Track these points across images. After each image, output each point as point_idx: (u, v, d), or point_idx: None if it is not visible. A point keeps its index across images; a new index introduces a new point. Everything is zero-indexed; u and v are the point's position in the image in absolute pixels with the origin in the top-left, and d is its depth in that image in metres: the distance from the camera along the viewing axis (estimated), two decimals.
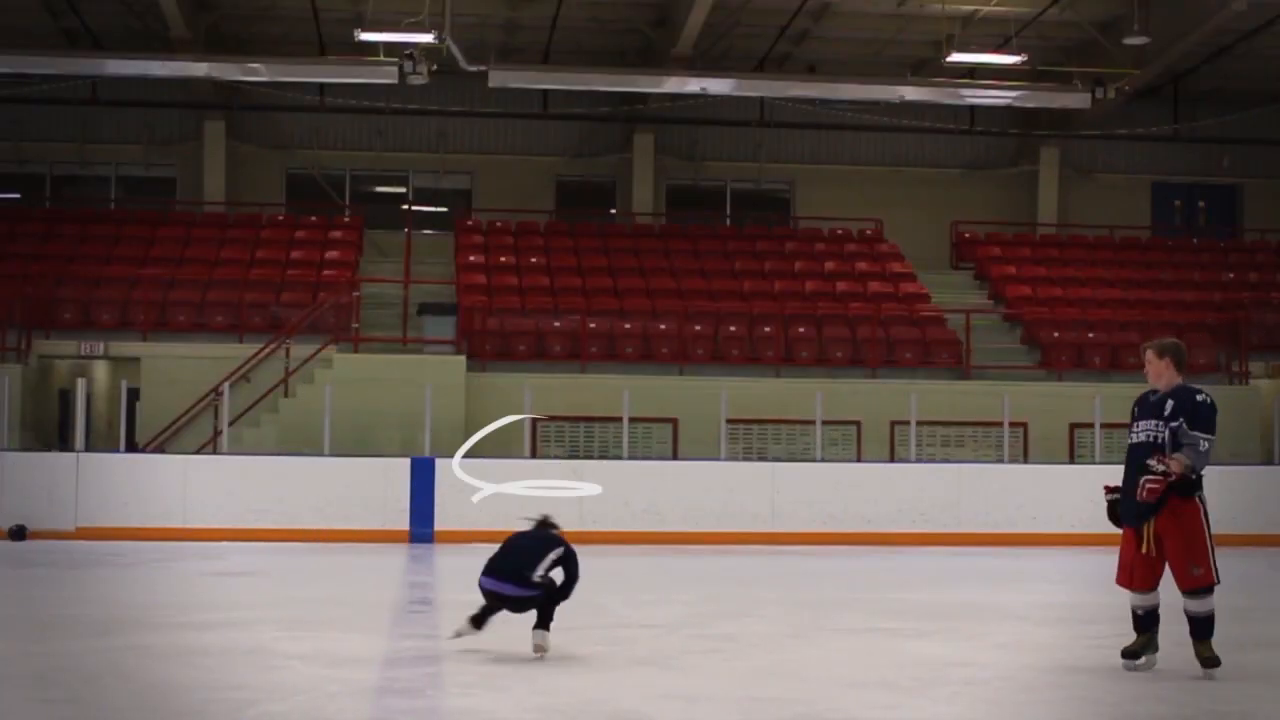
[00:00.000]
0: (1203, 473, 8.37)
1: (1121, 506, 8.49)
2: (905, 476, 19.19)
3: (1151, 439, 8.35)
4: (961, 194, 29.64)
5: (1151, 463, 8.20)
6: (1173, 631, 9.92)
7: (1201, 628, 8.29)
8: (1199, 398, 8.34)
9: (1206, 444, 8.23)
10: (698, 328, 22.72)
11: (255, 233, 26.06)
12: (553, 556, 8.81)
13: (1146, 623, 8.48)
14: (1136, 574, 8.39)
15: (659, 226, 28.20)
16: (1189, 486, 8.23)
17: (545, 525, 9.16)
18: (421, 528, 17.79)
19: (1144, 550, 8.33)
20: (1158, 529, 8.27)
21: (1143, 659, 8.45)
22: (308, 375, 20.86)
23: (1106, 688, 7.84)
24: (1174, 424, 8.27)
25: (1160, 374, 8.50)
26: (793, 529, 18.39)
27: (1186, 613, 8.32)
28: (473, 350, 21.73)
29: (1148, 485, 8.14)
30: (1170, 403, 8.36)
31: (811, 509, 18.57)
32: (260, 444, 19.98)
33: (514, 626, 10.07)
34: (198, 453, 19.44)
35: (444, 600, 12.43)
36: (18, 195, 28.44)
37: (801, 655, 9.04)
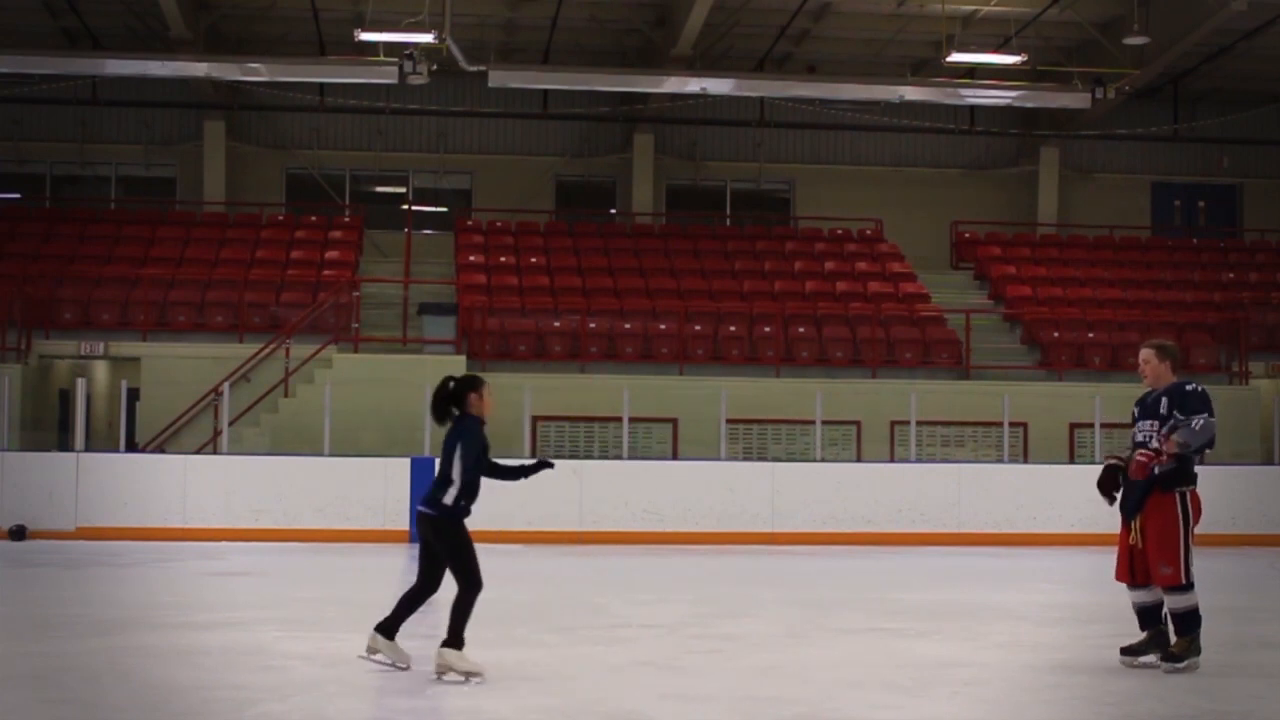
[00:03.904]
0: (1195, 469, 8.46)
1: (1123, 501, 8.59)
2: (905, 476, 19.19)
3: (1148, 439, 8.48)
4: (961, 194, 29.65)
5: (1153, 450, 8.36)
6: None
7: (1177, 623, 8.37)
8: (1188, 388, 8.53)
9: (1201, 420, 8.34)
10: (698, 328, 22.72)
11: (255, 233, 26.06)
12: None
13: (1145, 619, 8.54)
14: (1129, 568, 8.52)
15: (659, 226, 28.20)
16: (1172, 480, 8.34)
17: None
18: None
19: (1132, 542, 8.48)
20: (1142, 522, 8.42)
21: (1144, 657, 8.48)
22: (308, 375, 20.86)
23: (1106, 688, 7.84)
24: (1170, 420, 8.40)
25: (1160, 375, 8.63)
26: (793, 529, 18.39)
27: (1166, 607, 8.42)
28: (473, 350, 21.73)
29: (1137, 458, 8.35)
30: (1164, 400, 8.52)
31: (811, 509, 18.58)
32: (260, 444, 19.98)
33: (514, 626, 10.08)
34: (197, 453, 19.44)
35: (444, 600, 12.43)
36: (18, 195, 28.44)
37: (801, 655, 9.03)
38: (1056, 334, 23.75)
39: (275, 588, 13.15)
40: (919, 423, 20.08)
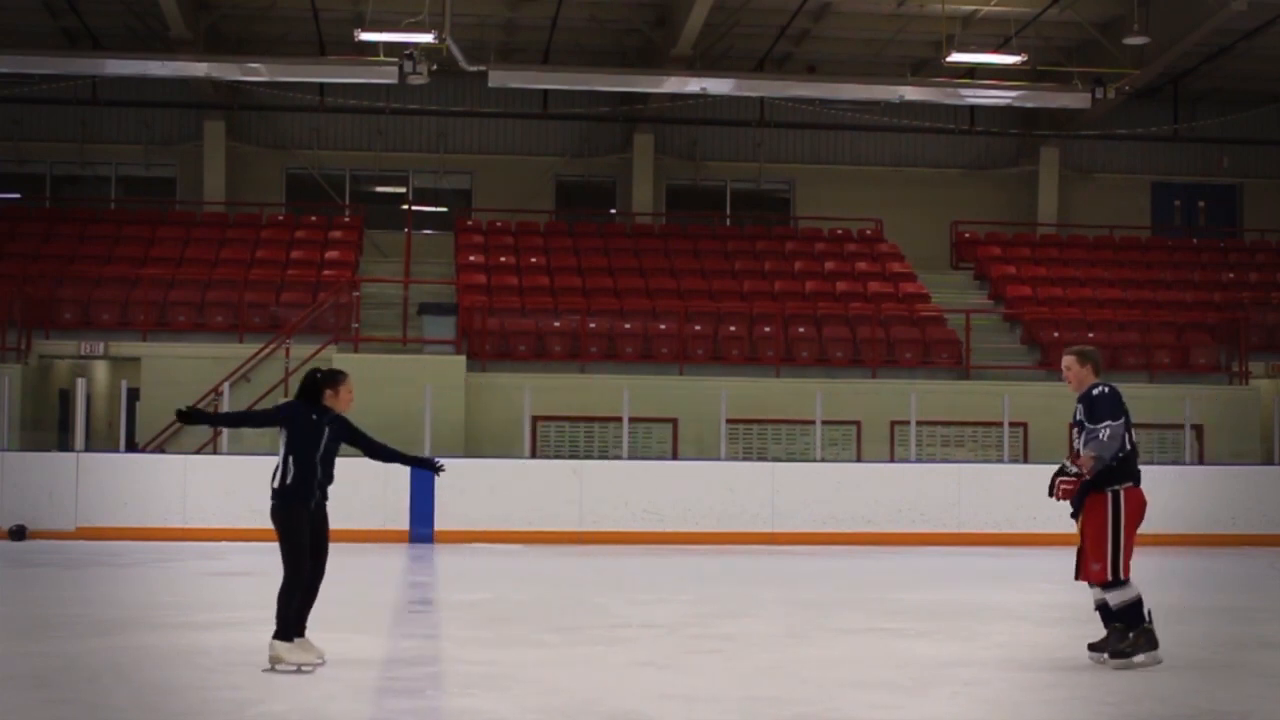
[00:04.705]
0: (1138, 467, 8.56)
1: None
2: (905, 476, 19.19)
3: (1079, 448, 8.62)
4: (961, 194, 29.65)
5: (1065, 463, 8.53)
6: (1172, 632, 9.92)
7: (1120, 619, 8.47)
8: (1094, 392, 8.56)
9: (1106, 430, 8.38)
10: (698, 328, 22.72)
11: (255, 233, 26.07)
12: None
13: (1104, 616, 8.66)
14: (1078, 566, 8.70)
15: (659, 226, 28.21)
16: (1104, 480, 8.43)
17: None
18: (421, 528, 17.79)
19: (1077, 543, 8.65)
20: (1082, 522, 8.56)
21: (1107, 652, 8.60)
22: None
23: (1107, 688, 7.84)
24: (1084, 426, 8.51)
25: (1083, 380, 8.73)
26: (793, 529, 18.40)
27: (1109, 603, 8.54)
28: (473, 350, 21.74)
29: (1061, 486, 8.48)
30: (1080, 406, 8.63)
31: (811, 509, 18.58)
32: (260, 444, 19.94)
33: (514, 626, 10.09)
34: (198, 453, 19.44)
35: (444, 600, 12.45)
36: (18, 195, 28.44)
37: (801, 655, 9.03)
38: (1056, 334, 23.75)
39: (275, 588, 13.11)
40: (919, 423, 20.08)
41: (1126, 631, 8.42)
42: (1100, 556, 8.42)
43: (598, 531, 18.02)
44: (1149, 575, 14.98)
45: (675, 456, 20.76)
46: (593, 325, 22.55)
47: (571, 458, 20.26)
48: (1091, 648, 8.67)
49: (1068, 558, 16.95)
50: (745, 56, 26.93)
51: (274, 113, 28.01)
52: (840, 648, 9.42)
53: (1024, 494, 18.93)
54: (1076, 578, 8.71)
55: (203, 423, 8.40)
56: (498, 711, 6.98)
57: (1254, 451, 21.85)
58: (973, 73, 26.35)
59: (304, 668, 7.94)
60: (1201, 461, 21.32)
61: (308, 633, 8.17)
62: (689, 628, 10.21)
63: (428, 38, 21.49)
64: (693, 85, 24.86)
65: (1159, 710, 7.27)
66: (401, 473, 17.95)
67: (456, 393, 20.40)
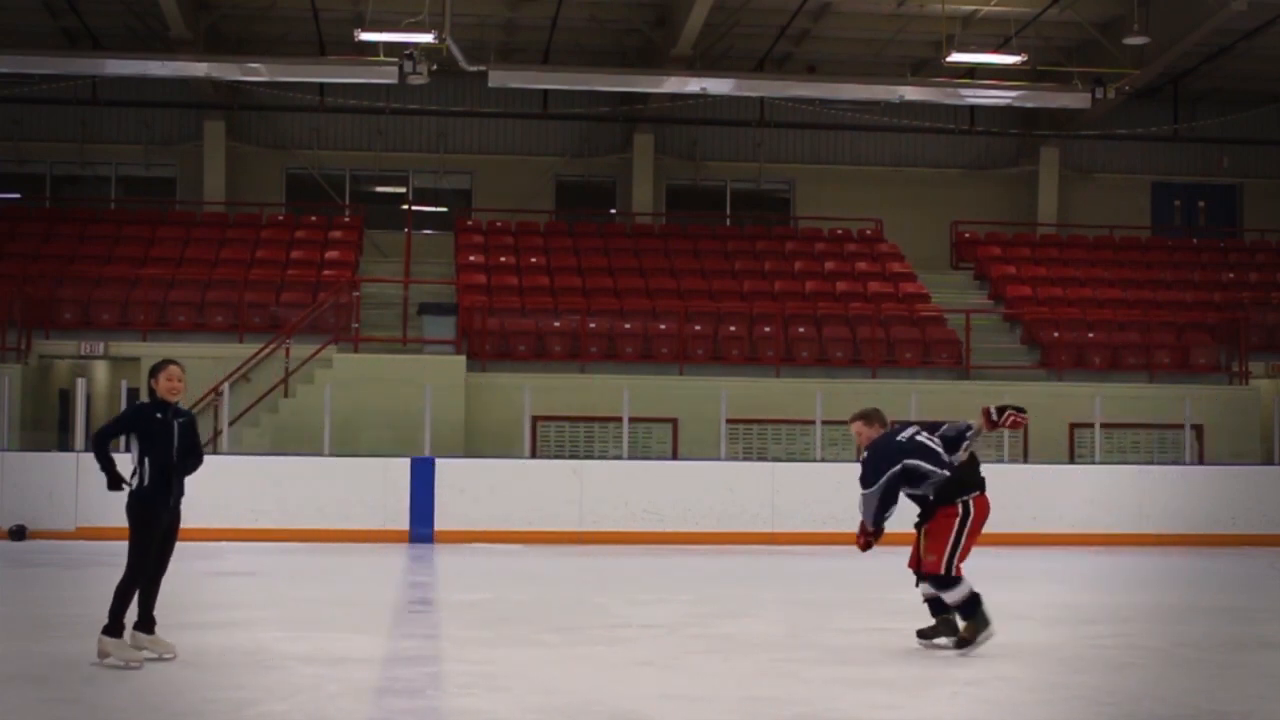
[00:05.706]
0: (981, 475, 9.56)
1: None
2: None
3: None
4: (961, 194, 29.65)
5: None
6: (1172, 631, 9.95)
7: (959, 611, 9.01)
8: (863, 455, 9.18)
9: (861, 499, 9.10)
10: (698, 328, 22.72)
11: (255, 233, 26.07)
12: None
13: (932, 608, 9.29)
14: (915, 560, 9.35)
15: (659, 226, 28.21)
16: (953, 494, 9.22)
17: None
18: (421, 528, 17.79)
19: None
20: (926, 528, 9.23)
21: (937, 639, 9.18)
22: (308, 375, 20.86)
23: (1106, 688, 7.83)
24: None
25: (872, 439, 9.25)
26: (793, 529, 18.38)
27: (943, 597, 9.09)
28: (473, 350, 21.74)
29: (859, 544, 9.34)
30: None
31: (811, 509, 18.56)
32: (260, 444, 19.97)
33: (514, 626, 10.08)
34: None
35: (444, 600, 12.44)
36: (18, 195, 28.44)
37: (801, 655, 9.03)
38: (1056, 334, 23.75)
39: (275, 588, 13.15)
40: None
41: (968, 620, 8.91)
42: (937, 550, 8.99)
43: (598, 531, 18.02)
44: (1150, 575, 15.04)
45: (675, 456, 20.75)
46: (593, 325, 22.55)
47: (571, 458, 20.26)
48: (920, 635, 9.24)
49: (1068, 558, 16.99)
50: (745, 56, 26.93)
51: (274, 113, 28.01)
52: (840, 648, 9.42)
53: (1024, 494, 18.93)
54: (917, 584, 9.31)
55: (113, 472, 8.45)
56: (498, 711, 6.98)
57: (1254, 451, 21.85)
58: (973, 73, 26.35)
59: (131, 664, 8.05)
60: (1201, 461, 21.31)
61: (157, 629, 8.40)
62: (689, 628, 10.21)
63: (428, 38, 21.49)
64: (693, 85, 24.86)
65: (1159, 710, 7.27)
66: (402, 473, 18.01)
67: (456, 393, 20.40)
